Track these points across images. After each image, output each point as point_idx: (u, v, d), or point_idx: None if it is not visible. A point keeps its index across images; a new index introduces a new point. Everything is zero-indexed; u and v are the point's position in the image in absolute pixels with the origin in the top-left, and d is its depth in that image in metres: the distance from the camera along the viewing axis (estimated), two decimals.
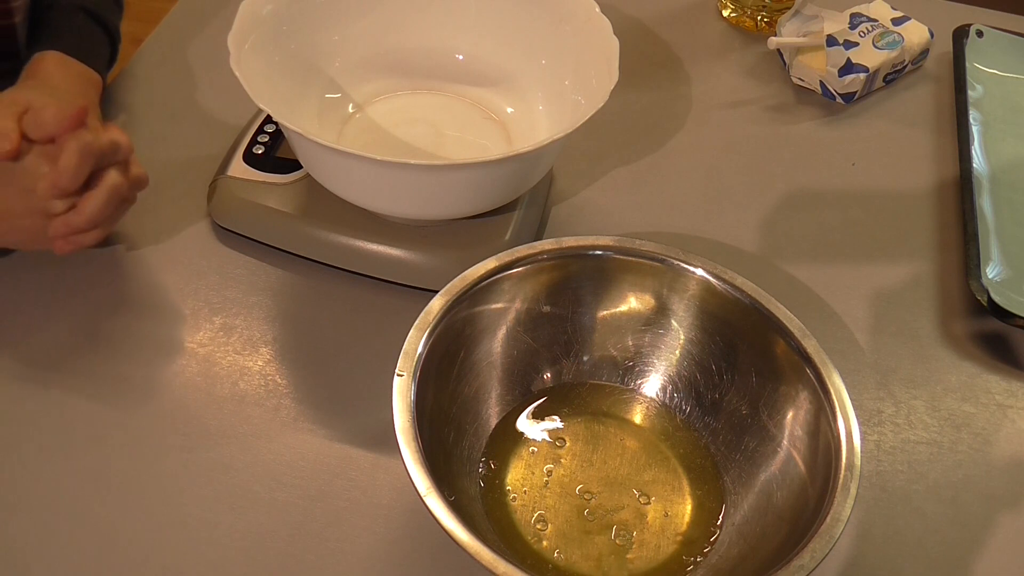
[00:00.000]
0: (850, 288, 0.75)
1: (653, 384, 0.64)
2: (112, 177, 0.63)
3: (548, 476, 0.60)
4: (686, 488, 0.60)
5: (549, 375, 0.64)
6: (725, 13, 0.99)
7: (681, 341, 0.63)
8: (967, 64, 0.92)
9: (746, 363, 0.61)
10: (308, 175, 0.71)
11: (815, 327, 0.59)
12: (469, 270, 0.59)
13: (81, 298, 0.69)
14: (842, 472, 0.52)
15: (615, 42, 0.69)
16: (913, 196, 0.83)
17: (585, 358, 0.64)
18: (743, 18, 0.97)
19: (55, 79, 0.71)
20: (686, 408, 0.63)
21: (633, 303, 0.64)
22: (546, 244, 0.61)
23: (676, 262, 0.62)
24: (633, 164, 0.83)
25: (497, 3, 0.77)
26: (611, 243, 0.62)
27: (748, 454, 0.60)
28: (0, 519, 0.58)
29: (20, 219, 0.63)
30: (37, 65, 0.72)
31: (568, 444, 0.62)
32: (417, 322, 0.56)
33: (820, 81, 0.89)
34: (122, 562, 0.57)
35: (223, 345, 0.67)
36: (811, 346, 0.57)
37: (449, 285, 0.58)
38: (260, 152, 0.73)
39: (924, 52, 0.93)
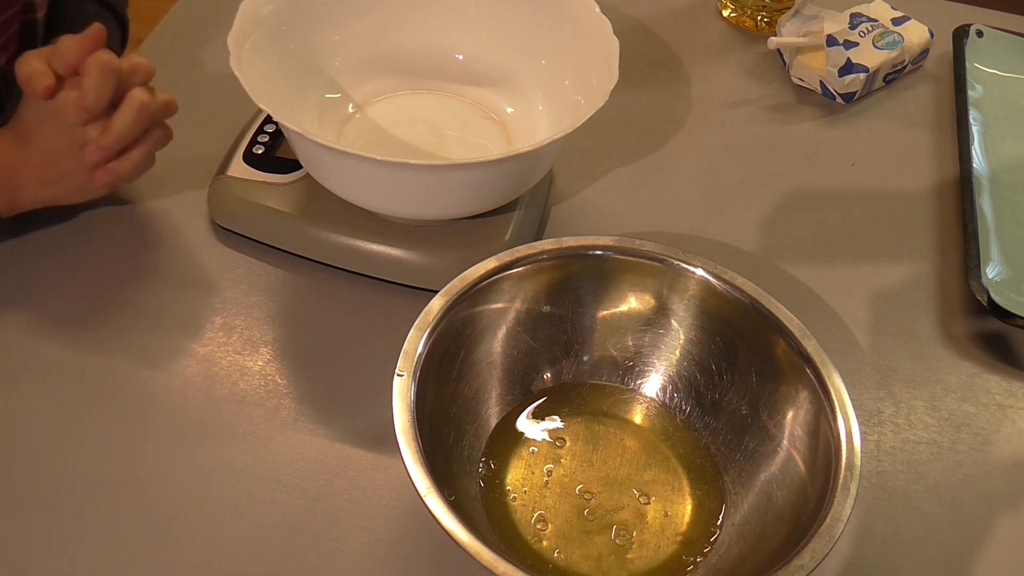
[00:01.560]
0: (850, 288, 0.75)
1: (653, 384, 0.64)
2: (137, 93, 0.63)
3: (548, 476, 0.60)
4: (686, 488, 0.60)
5: (549, 375, 0.64)
6: (725, 13, 0.98)
7: (681, 341, 0.63)
8: (967, 64, 0.92)
9: (746, 363, 0.61)
10: (308, 175, 0.71)
11: (815, 327, 0.59)
12: (469, 270, 0.59)
13: (81, 298, 0.69)
14: (842, 472, 0.52)
15: (615, 42, 0.69)
16: (913, 196, 0.83)
17: (585, 358, 0.64)
18: (743, 18, 0.97)
19: None
20: (686, 408, 0.63)
21: (633, 303, 0.64)
22: (546, 244, 0.61)
23: (676, 262, 0.62)
24: (633, 164, 0.83)
25: (497, 3, 0.77)
26: (611, 243, 0.62)
27: (748, 454, 0.60)
28: (0, 520, 0.58)
29: (63, 160, 0.65)
30: None
31: (568, 444, 0.62)
32: (417, 322, 0.56)
33: (820, 81, 0.89)
34: (122, 562, 0.57)
35: (223, 345, 0.67)
36: (811, 346, 0.57)
37: (449, 285, 0.58)
38: (260, 152, 0.73)
39: (924, 52, 0.93)
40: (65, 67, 0.63)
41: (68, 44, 0.62)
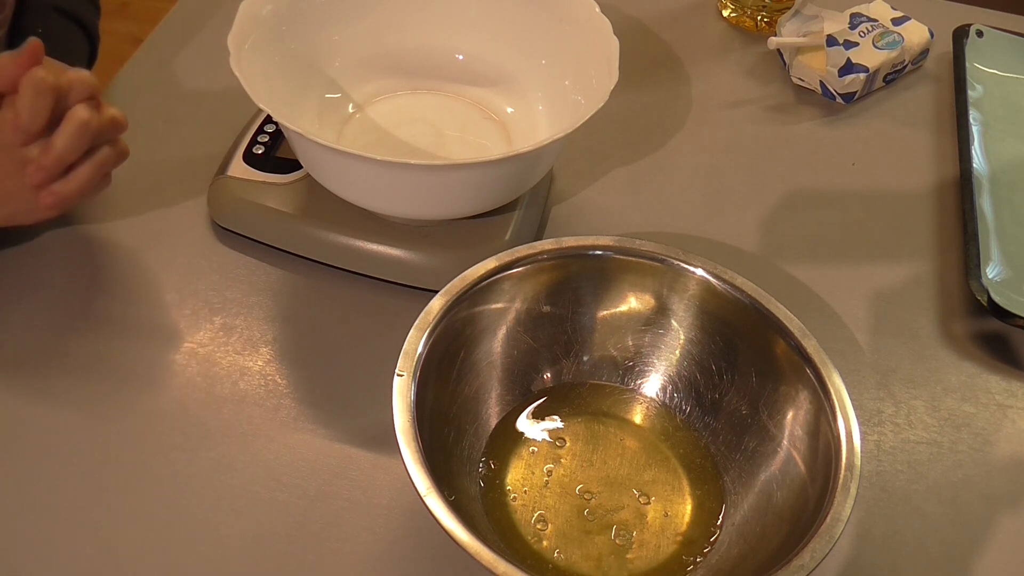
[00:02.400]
0: (850, 288, 0.75)
1: (653, 384, 0.64)
2: (78, 111, 0.60)
3: (548, 476, 0.60)
4: (686, 488, 0.60)
5: (549, 375, 0.64)
6: (725, 13, 0.99)
7: (681, 341, 0.63)
8: (967, 64, 0.92)
9: (746, 363, 0.61)
10: (308, 175, 0.71)
11: (815, 327, 0.59)
12: (469, 270, 0.59)
13: (81, 298, 0.69)
14: (842, 472, 0.52)
15: (615, 42, 0.69)
16: (913, 196, 0.83)
17: (585, 358, 0.64)
18: (743, 18, 0.97)
19: None
20: (686, 408, 0.63)
21: (633, 303, 0.64)
22: (546, 244, 0.61)
23: (676, 262, 0.62)
24: (633, 164, 0.83)
25: (497, 3, 0.77)
26: (611, 243, 0.62)
27: (748, 454, 0.60)
28: None
29: (6, 180, 0.62)
30: None
31: (568, 444, 0.62)
32: (417, 322, 0.56)
33: (820, 81, 0.89)
34: (122, 562, 0.57)
35: (223, 345, 0.67)
36: (811, 346, 0.57)
37: (449, 285, 0.58)
38: (260, 152, 0.73)
39: (924, 52, 0.93)
40: (3, 85, 0.60)
41: (4, 61, 0.59)
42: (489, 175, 0.65)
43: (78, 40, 0.76)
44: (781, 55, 0.93)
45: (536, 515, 0.59)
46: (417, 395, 0.53)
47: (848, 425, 0.54)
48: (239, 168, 0.72)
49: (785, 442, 0.58)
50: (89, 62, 0.78)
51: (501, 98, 0.78)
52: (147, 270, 0.71)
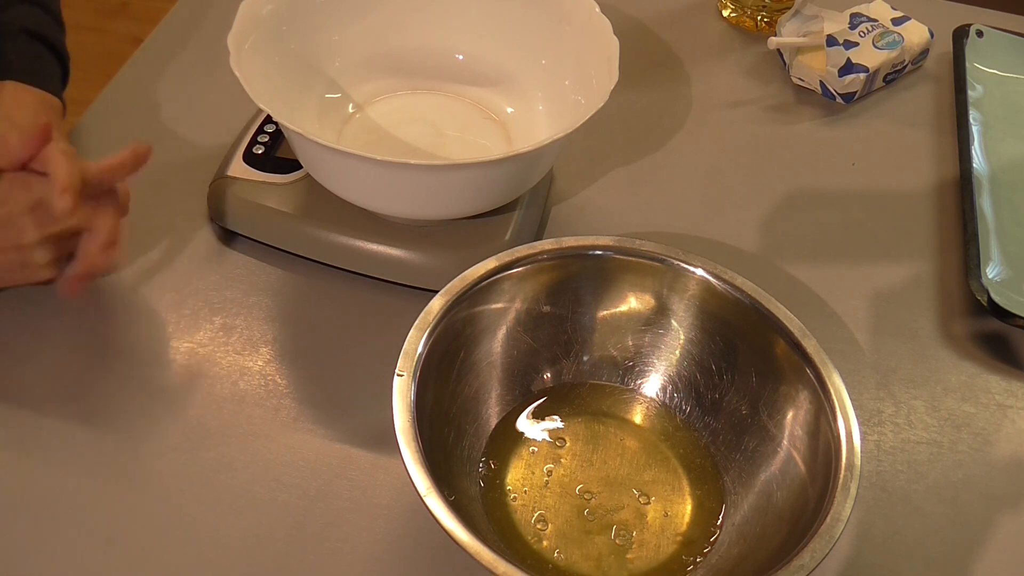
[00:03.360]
0: (850, 288, 0.75)
1: (653, 384, 0.64)
2: (107, 218, 0.62)
3: (548, 476, 0.60)
4: (686, 488, 0.60)
5: (549, 375, 0.64)
6: (725, 13, 0.98)
7: (681, 341, 0.63)
8: (967, 64, 0.92)
9: (746, 363, 0.61)
10: (308, 175, 0.71)
11: (815, 327, 0.59)
12: (469, 270, 0.59)
13: (80, 297, 0.69)
14: (842, 472, 0.52)
15: (615, 42, 0.69)
16: (913, 196, 0.83)
17: (585, 358, 0.64)
18: (743, 18, 0.97)
19: (12, 111, 0.66)
20: (686, 408, 0.63)
21: (633, 303, 0.64)
22: (546, 244, 0.61)
23: (676, 262, 0.62)
24: (633, 164, 0.83)
25: (497, 3, 0.77)
26: (611, 243, 0.62)
27: (748, 454, 0.60)
28: None
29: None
30: None
31: (568, 444, 0.62)
32: (417, 322, 0.56)
33: (820, 81, 0.89)
34: (122, 562, 0.57)
35: (223, 345, 0.67)
36: (811, 346, 0.57)
37: (449, 285, 0.58)
38: (260, 152, 0.73)
39: (924, 52, 0.93)
40: (9, 161, 0.60)
41: (13, 139, 0.60)
42: (489, 175, 0.65)
43: (50, 62, 0.74)
44: (781, 55, 0.93)
45: (536, 515, 0.59)
46: (417, 395, 0.54)
47: (848, 425, 0.54)
48: (239, 168, 0.72)
49: (785, 442, 0.58)
50: (63, 82, 0.76)
51: (501, 98, 0.78)
52: (147, 270, 0.71)
